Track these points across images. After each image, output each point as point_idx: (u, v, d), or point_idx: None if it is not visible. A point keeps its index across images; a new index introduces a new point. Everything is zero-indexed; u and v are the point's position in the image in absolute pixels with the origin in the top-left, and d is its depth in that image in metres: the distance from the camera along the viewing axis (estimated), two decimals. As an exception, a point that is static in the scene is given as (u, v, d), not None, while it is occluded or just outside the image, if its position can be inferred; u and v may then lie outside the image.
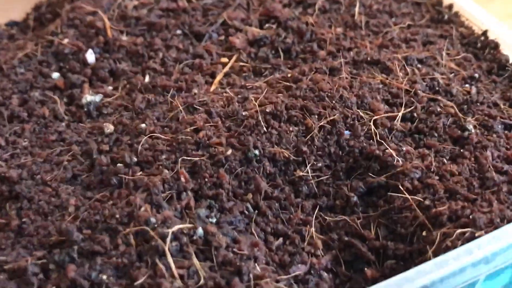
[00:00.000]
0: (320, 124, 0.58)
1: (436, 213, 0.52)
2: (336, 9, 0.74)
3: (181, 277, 0.47)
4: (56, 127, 0.61)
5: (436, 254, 0.49)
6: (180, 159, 0.55)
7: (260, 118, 0.58)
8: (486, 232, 0.49)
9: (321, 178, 0.57)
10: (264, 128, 0.57)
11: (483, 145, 0.58)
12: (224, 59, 0.67)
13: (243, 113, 0.59)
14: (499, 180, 0.55)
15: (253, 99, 0.60)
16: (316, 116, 0.59)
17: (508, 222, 0.50)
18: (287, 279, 0.50)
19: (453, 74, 0.65)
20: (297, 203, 0.55)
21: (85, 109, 0.63)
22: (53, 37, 0.69)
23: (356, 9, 0.73)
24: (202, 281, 0.47)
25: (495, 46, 0.69)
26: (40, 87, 0.66)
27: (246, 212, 0.54)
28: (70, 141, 0.59)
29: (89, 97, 0.63)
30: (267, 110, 0.58)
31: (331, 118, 0.58)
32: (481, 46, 0.70)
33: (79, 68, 0.67)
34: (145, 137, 0.57)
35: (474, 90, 0.63)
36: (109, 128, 0.60)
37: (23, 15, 0.78)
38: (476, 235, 0.49)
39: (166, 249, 0.48)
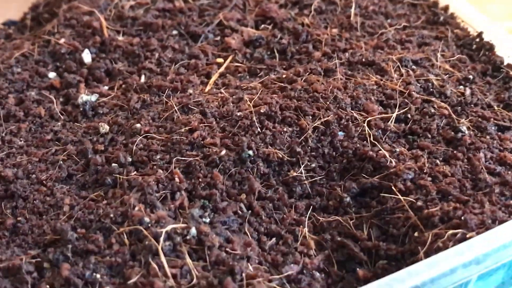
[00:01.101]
0: (314, 125, 0.58)
1: (428, 214, 0.53)
2: (332, 10, 0.74)
3: (174, 276, 0.48)
4: (52, 126, 0.62)
5: (427, 254, 0.49)
6: (174, 159, 0.55)
7: (254, 118, 0.58)
8: (478, 233, 0.49)
9: (315, 178, 0.57)
10: (259, 129, 0.58)
11: (476, 146, 0.58)
12: (220, 60, 0.68)
13: (238, 114, 0.59)
14: (492, 181, 0.55)
15: (247, 99, 0.60)
16: (310, 117, 0.59)
17: (500, 223, 0.50)
18: (279, 279, 0.50)
19: (447, 75, 0.65)
20: (290, 204, 0.56)
21: (81, 109, 0.63)
22: (49, 37, 0.70)
23: (352, 10, 0.73)
24: (195, 281, 0.48)
25: (490, 47, 0.70)
26: (37, 87, 0.66)
27: (240, 212, 0.54)
28: (66, 141, 0.60)
29: (85, 96, 0.64)
30: (262, 111, 0.59)
31: (325, 119, 0.59)
32: (476, 48, 0.70)
33: (75, 67, 0.67)
34: (140, 137, 0.58)
35: (468, 91, 0.64)
36: (105, 128, 0.60)
37: (21, 15, 0.78)
38: (468, 236, 0.49)
39: (160, 248, 0.49)
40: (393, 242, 0.53)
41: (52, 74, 0.67)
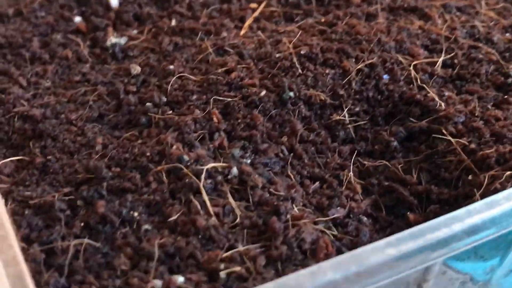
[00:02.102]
0: (358, 67, 0.56)
1: (483, 156, 0.50)
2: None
3: (217, 214, 0.45)
4: (80, 68, 0.59)
5: (484, 197, 0.47)
6: (212, 99, 0.53)
7: (294, 60, 0.56)
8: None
9: (359, 123, 0.55)
10: (300, 70, 0.55)
11: (528, 92, 0.56)
12: (254, 5, 0.65)
13: (277, 55, 0.57)
14: (549, 127, 0.53)
15: (286, 41, 0.58)
16: (354, 60, 0.57)
17: None
18: (325, 222, 0.48)
19: (493, 22, 0.63)
20: (333, 148, 0.53)
21: (110, 51, 0.61)
22: (75, -22, 0.67)
23: (391, -42, 0.70)
24: (238, 220, 0.45)
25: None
26: (62, 31, 0.64)
27: (281, 154, 0.52)
28: (95, 82, 0.57)
29: (114, 39, 0.61)
30: (302, 52, 0.56)
31: (369, 61, 0.56)
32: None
33: (102, 12, 0.65)
34: (174, 78, 0.55)
35: (516, 38, 0.61)
36: (136, 69, 0.58)
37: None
38: (528, 177, 0.47)
39: (201, 186, 0.46)
40: (445, 186, 0.51)
41: (78, 18, 0.65)
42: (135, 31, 0.63)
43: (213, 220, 0.45)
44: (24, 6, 0.66)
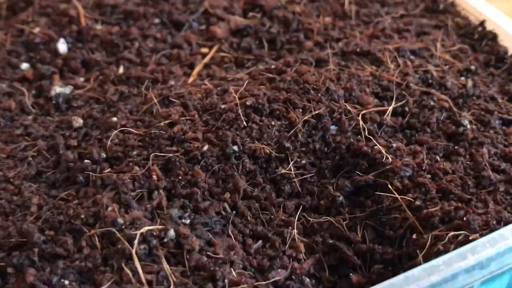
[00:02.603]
0: (304, 118, 0.55)
1: (428, 214, 0.49)
2: (325, -4, 0.71)
3: (149, 283, 0.44)
4: (22, 120, 0.58)
5: (426, 258, 0.46)
6: (152, 155, 0.52)
7: (240, 111, 0.55)
8: (481, 235, 0.46)
9: (305, 176, 0.54)
10: (244, 123, 0.54)
11: (479, 141, 0.55)
12: (205, 50, 0.65)
13: (222, 106, 0.56)
14: (496, 179, 0.52)
15: (233, 91, 0.57)
16: (301, 110, 0.56)
17: (505, 224, 0.47)
18: (266, 285, 0.47)
19: (447, 66, 0.63)
20: (278, 203, 0.52)
21: (54, 102, 0.60)
22: (23, 26, 0.67)
23: (347, -3, 0.70)
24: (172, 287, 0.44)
25: (493, 37, 0.67)
26: (8, 79, 0.63)
27: (223, 212, 0.51)
28: (36, 136, 0.56)
29: (59, 88, 0.60)
30: (248, 103, 0.56)
31: (316, 112, 0.55)
32: (478, 37, 0.68)
33: (49, 58, 0.64)
34: (116, 131, 0.54)
35: (470, 83, 0.61)
36: (78, 121, 0.57)
37: (-5, 4, 0.74)
38: (470, 238, 0.46)
39: (133, 252, 0.45)
40: (389, 244, 0.50)
41: (25, 65, 0.64)
42: (81, 79, 0.62)
43: (145, 288, 0.44)
44: (-29, 52, 0.65)
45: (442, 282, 0.44)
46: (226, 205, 0.51)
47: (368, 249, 0.50)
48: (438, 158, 0.54)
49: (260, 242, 0.50)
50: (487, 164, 0.53)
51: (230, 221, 0.50)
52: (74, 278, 0.45)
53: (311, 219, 0.52)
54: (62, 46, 0.64)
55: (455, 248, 0.46)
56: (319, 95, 0.57)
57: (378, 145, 0.54)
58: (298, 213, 0.52)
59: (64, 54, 0.64)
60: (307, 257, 0.50)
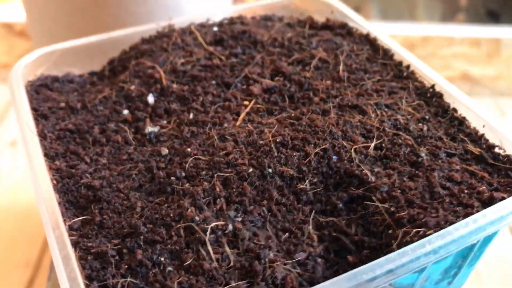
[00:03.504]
0: (315, 151, 0.59)
1: (399, 217, 0.54)
2: (326, 67, 0.75)
3: (217, 260, 0.49)
4: (126, 150, 0.63)
5: (399, 246, 0.51)
6: (215, 175, 0.57)
7: (272, 146, 0.60)
8: (435, 231, 0.50)
9: (316, 190, 0.58)
10: (276, 153, 0.59)
11: (432, 168, 0.59)
12: (246, 102, 0.69)
13: (260, 142, 0.60)
14: (443, 193, 0.56)
15: (267, 132, 0.62)
16: (313, 145, 0.60)
17: (450, 224, 0.51)
18: (291, 263, 0.51)
19: (410, 115, 0.67)
20: (298, 208, 0.57)
21: (147, 137, 0.64)
22: (123, 84, 0.71)
23: (340, 67, 0.74)
24: (231, 263, 0.49)
25: (440, 96, 0.71)
26: (115, 120, 0.67)
27: (262, 214, 0.55)
28: (137, 160, 0.61)
29: (150, 128, 0.65)
30: (277, 140, 0.60)
31: (323, 147, 0.60)
32: (430, 96, 0.71)
33: (142, 107, 0.68)
34: (191, 158, 0.59)
35: (425, 127, 0.65)
36: (165, 151, 0.61)
37: (101, 67, 0.80)
38: (427, 233, 0.50)
39: (207, 239, 0.50)
40: (374, 237, 0.54)
41: (125, 111, 0.68)
42: (165, 122, 0.66)
43: (215, 264, 0.49)
44: (88, 101, 0.69)
45: (409, 262, 0.48)
46: (264, 209, 0.56)
47: (359, 240, 0.54)
48: (404, 179, 0.58)
49: (287, 234, 0.54)
50: (438, 184, 0.57)
51: (267, 219, 0.55)
52: (167, 256, 0.50)
53: (320, 219, 0.56)
54: (150, 99, 0.69)
55: (417, 240, 0.50)
56: (325, 135, 0.61)
57: (364, 169, 0.59)
58: (312, 215, 0.56)
59: (152, 104, 0.68)
60: (318, 244, 0.54)
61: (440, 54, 1.55)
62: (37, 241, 1.27)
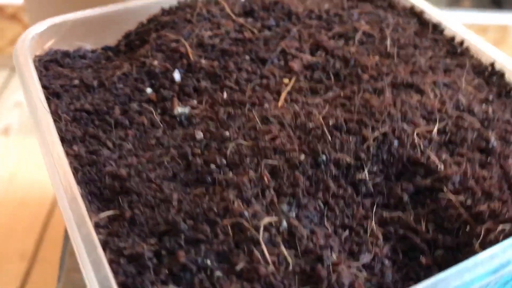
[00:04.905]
0: (374, 135, 0.52)
1: (478, 212, 0.47)
2: (371, 41, 0.68)
3: (273, 263, 0.42)
4: (154, 133, 0.55)
5: (482, 246, 0.44)
6: (263, 163, 0.49)
7: (325, 129, 0.52)
8: (524, 228, 0.44)
9: (376, 180, 0.51)
10: (329, 138, 0.52)
11: (505, 154, 0.53)
12: (286, 80, 0.62)
13: (310, 125, 0.53)
14: (523, 184, 0.50)
15: (317, 113, 0.54)
16: (370, 129, 0.53)
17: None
18: (357, 266, 0.44)
19: (472, 95, 0.60)
20: (358, 201, 0.50)
21: (178, 119, 0.57)
22: (144, 59, 0.63)
23: (388, 42, 0.67)
24: (290, 267, 0.42)
25: (502, 74, 0.64)
26: (137, 100, 0.59)
27: (318, 208, 0.48)
28: (168, 145, 0.54)
29: (180, 109, 0.57)
30: (330, 123, 0.53)
31: (383, 130, 0.53)
32: (489, 74, 0.65)
33: (168, 85, 0.61)
34: (232, 144, 0.51)
35: (490, 109, 0.58)
36: (199, 135, 0.54)
37: (116, 42, 0.72)
38: (516, 230, 0.44)
39: (260, 239, 0.43)
40: (449, 234, 0.47)
41: (149, 90, 0.60)
42: (195, 101, 0.59)
43: (271, 268, 0.42)
44: (106, 78, 0.62)
45: (500, 267, 0.42)
46: (320, 202, 0.49)
47: (431, 238, 0.47)
48: (476, 167, 0.52)
49: (347, 231, 0.48)
50: (515, 173, 0.51)
51: (325, 215, 0.48)
52: (214, 258, 0.42)
53: (384, 214, 0.49)
54: (177, 76, 0.61)
55: (504, 239, 0.44)
56: (383, 117, 0.54)
57: (431, 156, 0.52)
58: (374, 209, 0.50)
59: (179, 82, 0.61)
60: (384, 244, 0.47)
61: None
62: (32, 232, 1.21)
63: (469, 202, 0.48)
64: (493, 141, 0.54)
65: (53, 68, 0.64)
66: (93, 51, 0.70)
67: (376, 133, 0.53)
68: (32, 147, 1.37)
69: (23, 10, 1.68)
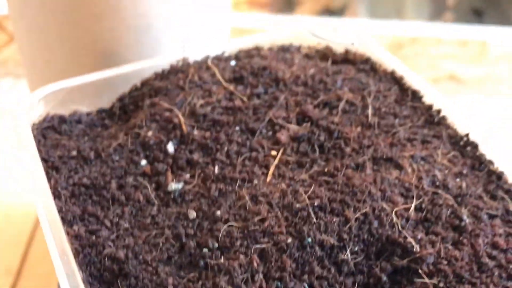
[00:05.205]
0: (356, 216, 0.56)
1: (450, 295, 0.51)
2: (354, 110, 0.72)
3: None
4: (149, 211, 0.59)
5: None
6: (252, 247, 0.53)
7: (310, 210, 0.56)
8: (490, 314, 0.48)
9: (357, 259, 0.55)
10: (314, 219, 0.56)
11: (476, 233, 0.57)
12: (274, 152, 0.65)
13: (297, 206, 0.57)
14: (491, 265, 0.54)
15: (302, 192, 0.58)
16: (352, 209, 0.57)
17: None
18: None
19: (447, 170, 0.64)
20: (340, 281, 0.54)
21: (172, 196, 0.60)
22: (139, 130, 0.66)
23: (369, 111, 0.71)
24: None
25: (475, 146, 0.68)
26: (133, 174, 0.63)
27: (304, 289, 0.52)
28: (163, 225, 0.57)
29: (174, 185, 0.60)
30: (315, 204, 0.57)
31: (364, 211, 0.57)
32: (463, 145, 0.69)
33: (162, 157, 0.64)
34: (224, 226, 0.55)
35: (464, 184, 0.62)
36: (192, 214, 0.57)
37: (110, 104, 0.75)
38: (483, 316, 0.48)
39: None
40: (422, 316, 0.52)
41: (143, 162, 0.63)
42: (188, 175, 0.62)
43: None
44: (102, 150, 0.65)
45: None
46: (305, 285, 0.52)
47: (407, 319, 0.51)
48: (449, 247, 0.56)
49: (330, 312, 0.51)
50: (484, 253, 0.55)
51: (310, 297, 0.52)
52: None
53: (364, 293, 0.53)
54: (170, 148, 0.64)
55: (472, 324, 0.48)
56: (364, 196, 0.58)
57: (408, 237, 0.56)
58: (355, 288, 0.54)
59: (172, 154, 0.64)
60: (364, 323, 0.51)
61: (427, 54, 1.55)
62: (18, 248, 1.23)
63: (441, 284, 0.52)
64: (465, 218, 0.58)
65: (50, 137, 0.67)
66: (88, 114, 0.73)
67: (358, 214, 0.56)
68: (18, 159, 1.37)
69: (7, 19, 1.67)
